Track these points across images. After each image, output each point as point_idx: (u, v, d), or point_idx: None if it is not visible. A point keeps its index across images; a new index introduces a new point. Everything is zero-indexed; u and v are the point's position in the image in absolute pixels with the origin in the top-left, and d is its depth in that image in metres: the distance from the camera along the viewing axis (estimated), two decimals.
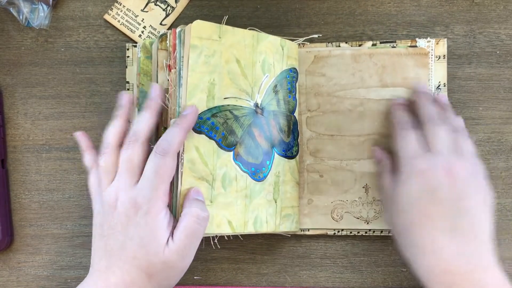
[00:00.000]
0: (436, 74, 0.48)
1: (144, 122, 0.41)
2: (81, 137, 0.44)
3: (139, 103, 0.47)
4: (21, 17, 0.51)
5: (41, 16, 0.51)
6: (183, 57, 0.42)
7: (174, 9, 0.51)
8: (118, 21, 0.51)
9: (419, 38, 0.49)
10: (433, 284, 0.38)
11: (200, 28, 0.41)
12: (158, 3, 0.51)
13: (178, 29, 0.42)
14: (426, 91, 0.46)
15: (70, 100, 0.51)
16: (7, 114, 0.51)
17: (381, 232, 0.47)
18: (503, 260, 0.49)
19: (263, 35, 0.45)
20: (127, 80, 0.50)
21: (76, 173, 0.51)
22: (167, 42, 0.43)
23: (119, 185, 0.39)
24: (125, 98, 0.43)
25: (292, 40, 0.49)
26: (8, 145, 0.51)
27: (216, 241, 0.47)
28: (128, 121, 0.42)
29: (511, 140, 0.49)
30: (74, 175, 0.51)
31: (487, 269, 0.38)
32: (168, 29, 0.50)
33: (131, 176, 0.39)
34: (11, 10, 0.51)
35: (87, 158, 0.42)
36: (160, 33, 0.44)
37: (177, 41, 0.42)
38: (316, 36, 0.50)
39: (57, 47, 0.51)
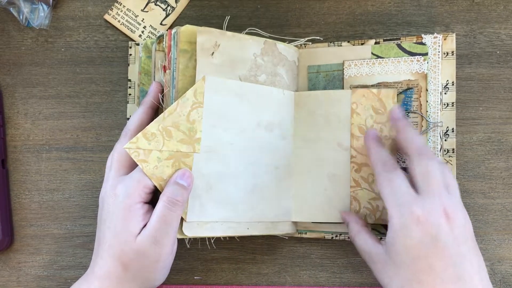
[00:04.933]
0: (443, 72, 0.46)
1: (136, 117, 0.43)
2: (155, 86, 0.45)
3: (139, 102, 0.47)
4: (21, 17, 0.51)
5: (41, 16, 0.51)
6: (176, 58, 0.42)
7: (174, 9, 0.51)
8: (118, 21, 0.51)
9: (424, 33, 0.49)
10: None
11: (189, 32, 0.41)
12: (158, 3, 0.51)
13: (173, 30, 0.42)
14: (404, 118, 0.43)
15: (70, 100, 0.51)
16: (7, 114, 0.51)
17: (381, 239, 0.47)
18: (503, 260, 0.49)
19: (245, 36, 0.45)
20: (128, 78, 0.50)
21: (76, 173, 0.51)
22: (164, 43, 0.43)
23: (108, 177, 0.41)
24: (152, 86, 0.44)
25: (293, 40, 0.49)
26: (8, 145, 0.51)
27: (213, 241, 0.47)
28: (152, 109, 0.44)
29: (511, 140, 0.49)
30: (74, 175, 0.51)
31: None
32: (167, 29, 0.50)
33: (118, 168, 0.41)
34: (11, 10, 0.51)
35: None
36: (158, 35, 0.44)
37: (172, 42, 0.42)
38: (318, 38, 0.50)
39: (57, 47, 0.51)
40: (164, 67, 0.43)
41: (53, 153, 0.51)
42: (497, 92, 0.49)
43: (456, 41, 0.49)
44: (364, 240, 0.41)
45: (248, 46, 0.44)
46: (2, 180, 0.50)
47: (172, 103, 0.41)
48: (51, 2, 0.51)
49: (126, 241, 0.38)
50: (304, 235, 0.48)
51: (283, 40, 0.48)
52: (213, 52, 0.42)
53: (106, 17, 0.51)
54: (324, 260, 0.49)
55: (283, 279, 0.49)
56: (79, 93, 0.51)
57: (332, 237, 0.48)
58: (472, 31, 0.49)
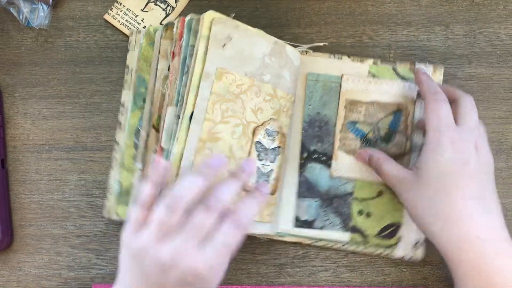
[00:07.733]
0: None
1: (192, 188, 0.37)
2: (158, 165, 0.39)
3: (135, 87, 0.47)
4: (21, 17, 0.51)
5: (41, 16, 0.51)
6: (191, 46, 0.41)
7: (174, 9, 0.51)
8: (118, 21, 0.51)
9: (418, 61, 0.48)
10: (463, 252, 0.39)
11: (212, 18, 0.41)
12: (158, 3, 0.51)
13: (187, 17, 0.42)
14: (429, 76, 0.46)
15: (70, 100, 0.51)
16: (7, 114, 0.51)
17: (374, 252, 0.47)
18: None
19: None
20: (127, 64, 0.50)
21: (76, 173, 0.50)
22: (174, 30, 0.43)
23: (182, 247, 0.35)
24: (161, 165, 0.39)
25: (295, 46, 0.48)
26: (8, 145, 0.51)
27: None
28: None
29: (511, 140, 0.49)
30: (74, 175, 0.50)
31: (509, 240, 0.40)
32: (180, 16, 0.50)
33: (197, 242, 0.36)
34: (11, 10, 0.51)
35: (147, 191, 0.38)
36: (166, 22, 0.44)
37: (185, 30, 0.42)
38: (321, 44, 0.50)
39: (57, 47, 0.51)
40: (173, 53, 0.43)
41: (53, 153, 0.51)
42: (497, 92, 0.49)
43: (455, 41, 0.49)
44: (392, 166, 0.44)
45: (259, 44, 0.43)
46: (2, 180, 0.50)
47: (179, 90, 0.41)
48: (51, 2, 0.51)
49: None
50: (282, 238, 0.48)
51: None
52: (224, 44, 0.42)
53: (106, 17, 0.51)
54: (324, 260, 0.49)
55: (283, 279, 0.49)
56: (79, 93, 0.51)
57: (311, 243, 0.48)
58: (471, 31, 0.49)
